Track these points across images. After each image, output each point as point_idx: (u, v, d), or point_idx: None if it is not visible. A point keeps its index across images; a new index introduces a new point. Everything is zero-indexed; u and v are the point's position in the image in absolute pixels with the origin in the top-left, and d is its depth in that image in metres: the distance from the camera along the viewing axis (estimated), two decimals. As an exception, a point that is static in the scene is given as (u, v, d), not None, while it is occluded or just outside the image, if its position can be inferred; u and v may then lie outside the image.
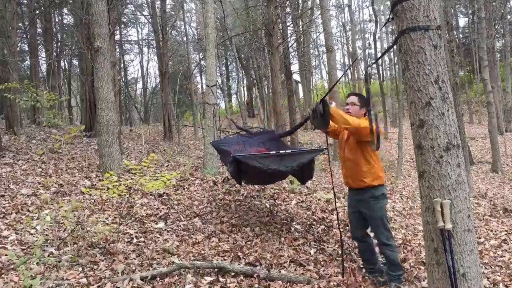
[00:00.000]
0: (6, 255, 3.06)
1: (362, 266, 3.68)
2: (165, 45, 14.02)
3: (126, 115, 24.63)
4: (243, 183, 4.94)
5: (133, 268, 3.19)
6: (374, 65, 2.93)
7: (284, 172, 4.31)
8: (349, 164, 3.37)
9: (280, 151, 4.24)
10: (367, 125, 2.85)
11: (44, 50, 15.33)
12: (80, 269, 3.07)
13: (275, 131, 6.28)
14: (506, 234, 4.98)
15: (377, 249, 3.63)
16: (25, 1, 13.94)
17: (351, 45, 22.06)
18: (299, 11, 15.52)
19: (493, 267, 3.91)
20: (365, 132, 3.03)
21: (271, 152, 4.22)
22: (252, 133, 5.71)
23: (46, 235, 3.70)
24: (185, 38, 20.22)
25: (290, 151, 4.36)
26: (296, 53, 19.21)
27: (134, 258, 3.41)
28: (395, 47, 2.22)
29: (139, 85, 30.82)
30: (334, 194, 3.84)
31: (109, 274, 3.04)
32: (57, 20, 17.96)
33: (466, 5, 26.31)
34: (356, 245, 3.81)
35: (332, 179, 4.06)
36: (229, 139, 5.61)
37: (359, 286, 3.21)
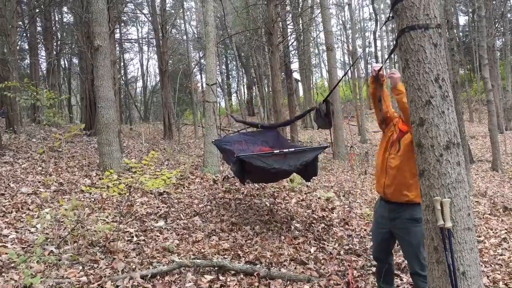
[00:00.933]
0: (6, 253, 3.07)
1: (362, 266, 3.69)
2: (165, 43, 14.01)
3: (126, 113, 24.63)
4: (245, 182, 4.92)
5: (133, 266, 3.19)
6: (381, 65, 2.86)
7: (288, 171, 4.29)
8: (393, 173, 2.70)
9: (284, 150, 4.22)
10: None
11: (44, 48, 15.33)
12: (80, 267, 3.08)
13: (276, 128, 6.26)
14: (506, 233, 4.97)
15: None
16: (25, 0, 13.92)
17: (351, 43, 22.02)
18: (299, 10, 15.51)
19: (493, 265, 3.91)
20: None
21: (275, 151, 4.19)
22: (255, 124, 5.68)
23: (46, 233, 3.71)
24: (185, 37, 20.22)
25: (293, 149, 4.34)
26: (296, 52, 19.21)
27: (134, 257, 3.41)
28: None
29: (139, 84, 30.87)
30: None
31: (109, 273, 3.04)
32: (57, 18, 17.96)
33: (466, 3, 26.30)
34: (375, 263, 3.21)
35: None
36: (230, 137, 5.59)
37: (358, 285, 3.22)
